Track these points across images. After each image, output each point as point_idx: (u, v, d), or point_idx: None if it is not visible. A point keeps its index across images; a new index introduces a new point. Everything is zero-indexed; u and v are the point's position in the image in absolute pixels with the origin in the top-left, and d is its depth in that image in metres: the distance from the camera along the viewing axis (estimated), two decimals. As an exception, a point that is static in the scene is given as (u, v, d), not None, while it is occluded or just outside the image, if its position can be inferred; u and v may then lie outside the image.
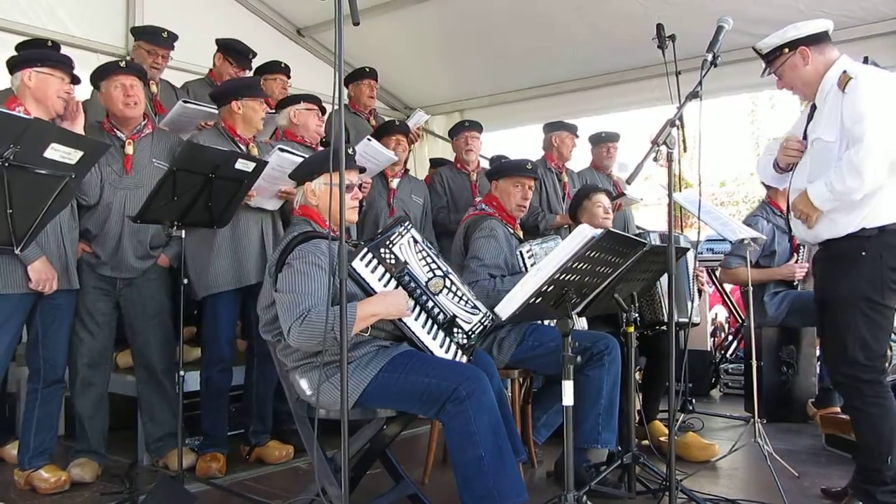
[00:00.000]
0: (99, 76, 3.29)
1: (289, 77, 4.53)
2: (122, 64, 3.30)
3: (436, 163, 5.56)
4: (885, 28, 4.45)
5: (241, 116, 3.45)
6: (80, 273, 3.27)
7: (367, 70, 4.92)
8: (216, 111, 3.57)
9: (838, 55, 2.82)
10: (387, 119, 4.85)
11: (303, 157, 3.17)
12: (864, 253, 2.72)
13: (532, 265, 3.29)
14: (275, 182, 3.35)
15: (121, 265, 3.31)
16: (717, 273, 5.24)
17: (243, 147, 3.44)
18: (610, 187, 5.02)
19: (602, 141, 5.13)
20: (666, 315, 3.64)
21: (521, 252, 3.37)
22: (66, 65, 3.05)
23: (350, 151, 2.93)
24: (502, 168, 3.73)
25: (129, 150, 3.29)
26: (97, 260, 3.29)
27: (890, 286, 2.71)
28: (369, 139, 3.79)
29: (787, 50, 2.82)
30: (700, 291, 4.07)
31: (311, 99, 3.90)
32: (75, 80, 3.09)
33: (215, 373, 3.49)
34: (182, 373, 3.03)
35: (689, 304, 3.79)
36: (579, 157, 5.32)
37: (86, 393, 3.33)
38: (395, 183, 4.38)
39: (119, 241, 3.29)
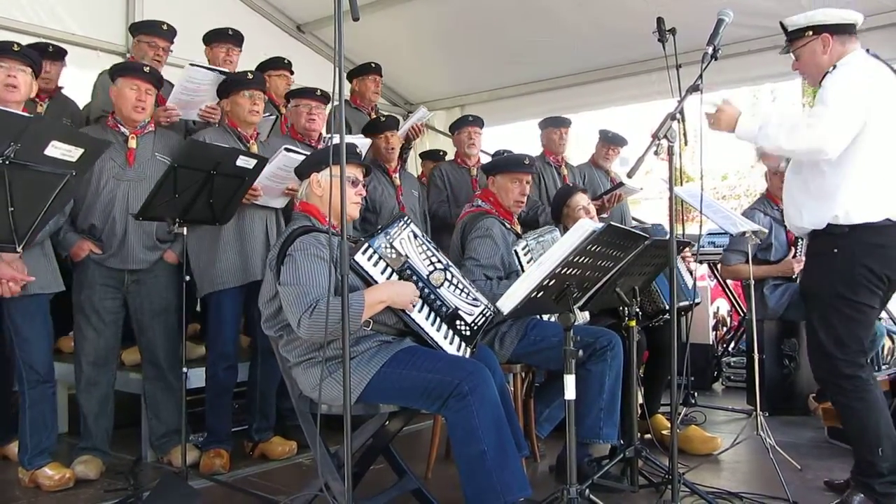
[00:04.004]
0: (119, 72, 3.32)
1: (292, 73, 4.52)
2: (146, 69, 3.32)
3: (425, 156, 5.55)
4: (886, 20, 4.42)
5: (231, 113, 3.52)
6: (86, 270, 3.28)
7: (373, 65, 4.91)
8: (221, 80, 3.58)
9: (854, 48, 2.75)
10: (387, 114, 4.83)
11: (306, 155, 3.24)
12: (835, 250, 2.71)
13: (529, 261, 3.28)
14: (281, 181, 3.38)
15: (128, 257, 3.32)
16: (719, 267, 5.24)
17: (245, 143, 3.46)
18: (607, 182, 5.04)
19: (609, 141, 5.15)
20: (664, 302, 3.65)
21: (516, 251, 3.35)
22: (4, 52, 2.94)
23: (358, 151, 2.93)
24: (499, 163, 3.71)
25: (132, 143, 3.31)
26: (104, 253, 3.29)
27: (863, 283, 2.69)
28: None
29: (810, 33, 2.78)
30: (690, 271, 4.04)
31: (303, 94, 3.87)
32: (29, 62, 2.98)
33: (220, 370, 3.50)
34: (185, 370, 3.04)
35: (685, 285, 3.78)
36: (585, 149, 5.33)
37: (90, 392, 3.33)
38: (398, 179, 4.38)
39: (125, 233, 3.30)
